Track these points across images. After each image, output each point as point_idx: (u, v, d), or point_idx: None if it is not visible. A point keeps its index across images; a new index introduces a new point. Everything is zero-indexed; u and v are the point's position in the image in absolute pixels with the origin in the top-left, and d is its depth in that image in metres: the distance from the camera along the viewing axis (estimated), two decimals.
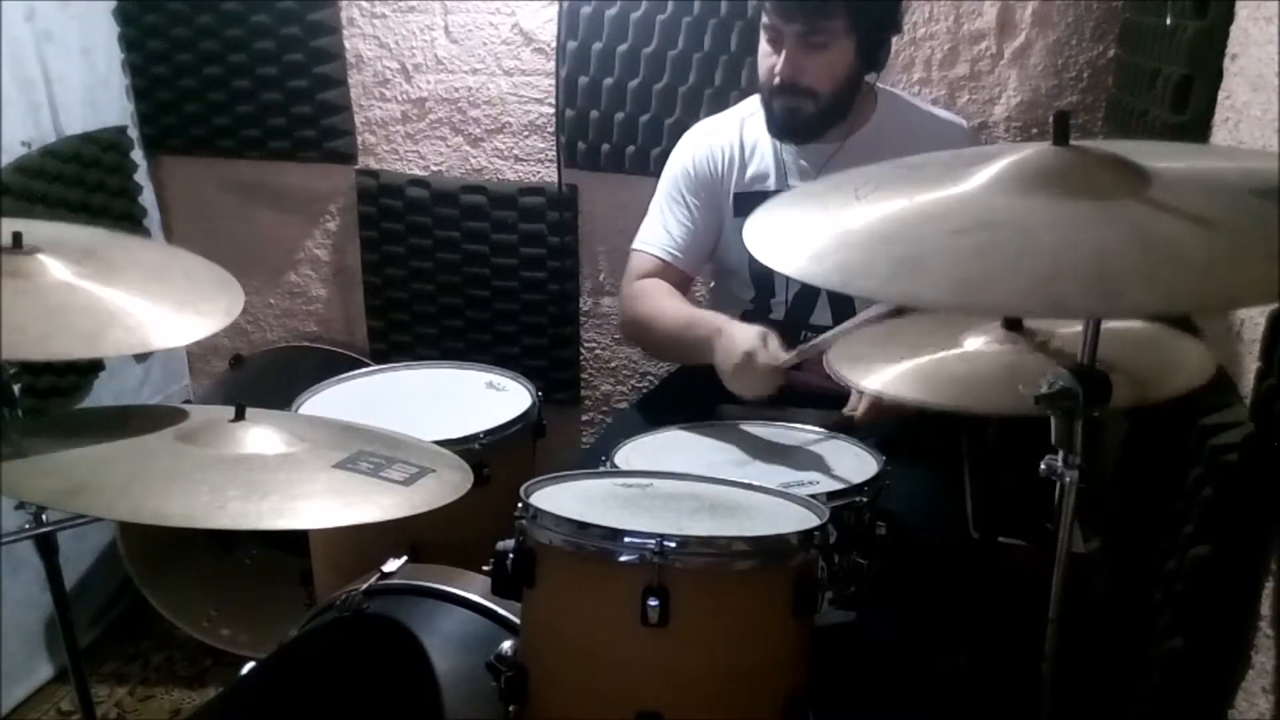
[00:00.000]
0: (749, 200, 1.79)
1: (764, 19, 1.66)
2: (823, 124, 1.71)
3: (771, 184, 1.79)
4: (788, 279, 1.78)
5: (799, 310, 1.80)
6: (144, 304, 1.24)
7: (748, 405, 1.61)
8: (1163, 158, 0.95)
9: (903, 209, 0.94)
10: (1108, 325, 1.04)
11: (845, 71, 1.66)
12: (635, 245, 1.88)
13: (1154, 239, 0.83)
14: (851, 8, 1.59)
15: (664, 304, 1.80)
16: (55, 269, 1.22)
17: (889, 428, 1.57)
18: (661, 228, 1.85)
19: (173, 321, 1.24)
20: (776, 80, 1.65)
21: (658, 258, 1.84)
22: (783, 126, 1.72)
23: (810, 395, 1.75)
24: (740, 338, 1.59)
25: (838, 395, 1.57)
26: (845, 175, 1.10)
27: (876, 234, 0.91)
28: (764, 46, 1.67)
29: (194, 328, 1.26)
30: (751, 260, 1.79)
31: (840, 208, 0.98)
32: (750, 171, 1.81)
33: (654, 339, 1.86)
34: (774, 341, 1.57)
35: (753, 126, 1.82)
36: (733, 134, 1.83)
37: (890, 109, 1.79)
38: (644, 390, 2.36)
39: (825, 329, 1.78)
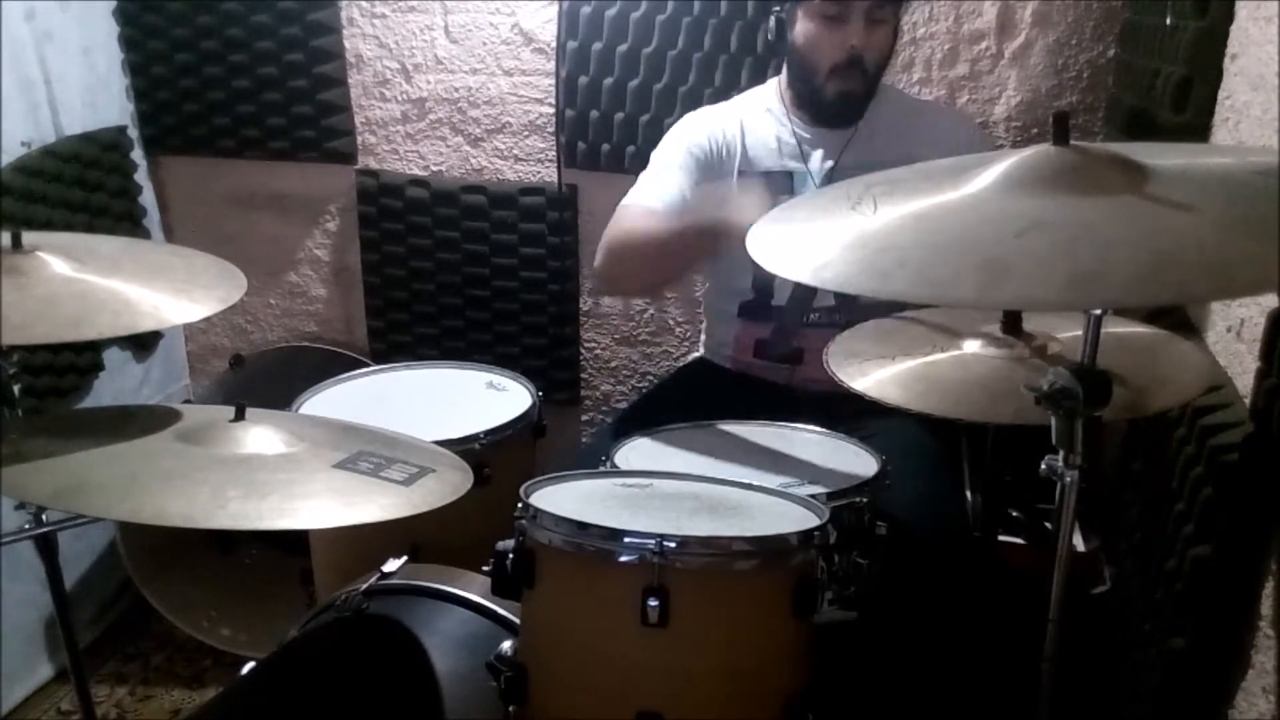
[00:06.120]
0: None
1: (814, 1, 1.64)
2: (866, 105, 1.74)
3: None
4: None
5: (800, 296, 1.79)
6: (137, 290, 1.24)
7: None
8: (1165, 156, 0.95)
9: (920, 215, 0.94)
10: (1107, 332, 1.04)
11: (890, 50, 1.72)
12: (624, 202, 1.79)
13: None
14: None
15: (649, 221, 1.72)
16: (54, 265, 1.23)
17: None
18: (656, 185, 1.78)
19: (164, 305, 1.25)
20: (842, 57, 1.66)
21: (651, 208, 1.75)
22: (835, 110, 1.73)
23: (810, 395, 1.76)
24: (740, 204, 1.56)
25: (838, 395, 1.57)
26: (842, 187, 1.09)
27: (936, 243, 0.91)
28: (815, 29, 1.66)
29: (185, 311, 1.26)
30: None
31: (861, 220, 0.98)
32: (752, 155, 1.79)
33: (638, 246, 1.73)
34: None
35: (752, 117, 1.82)
36: (732, 123, 1.82)
37: (891, 97, 1.82)
38: (644, 390, 2.35)
39: (827, 309, 1.78)
